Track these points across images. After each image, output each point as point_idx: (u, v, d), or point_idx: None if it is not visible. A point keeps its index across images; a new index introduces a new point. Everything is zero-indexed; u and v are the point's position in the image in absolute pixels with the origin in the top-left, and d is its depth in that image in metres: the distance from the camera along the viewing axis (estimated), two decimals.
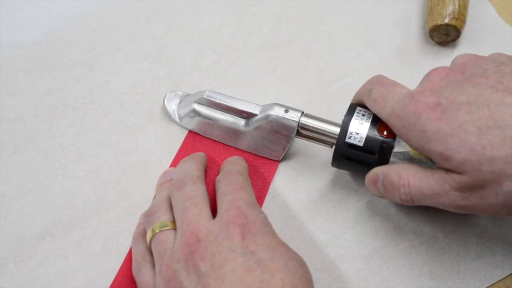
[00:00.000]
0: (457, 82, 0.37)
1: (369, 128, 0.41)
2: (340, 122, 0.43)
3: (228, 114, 0.46)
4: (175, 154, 0.47)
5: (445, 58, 0.52)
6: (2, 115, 0.49)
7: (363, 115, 0.41)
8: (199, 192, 0.40)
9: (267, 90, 0.51)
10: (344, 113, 0.42)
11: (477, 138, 0.35)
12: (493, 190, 0.35)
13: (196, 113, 0.46)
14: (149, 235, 0.40)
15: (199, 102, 0.46)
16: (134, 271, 0.40)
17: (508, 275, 0.42)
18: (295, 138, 0.45)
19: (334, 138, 0.42)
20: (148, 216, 0.41)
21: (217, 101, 0.45)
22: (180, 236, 0.37)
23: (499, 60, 0.38)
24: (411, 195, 0.38)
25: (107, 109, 0.49)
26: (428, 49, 0.53)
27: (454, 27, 0.50)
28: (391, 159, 0.40)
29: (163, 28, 0.54)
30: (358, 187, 0.46)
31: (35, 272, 0.42)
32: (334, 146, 0.43)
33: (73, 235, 0.44)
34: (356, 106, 0.42)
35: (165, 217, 0.40)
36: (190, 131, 0.48)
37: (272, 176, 0.46)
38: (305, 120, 0.44)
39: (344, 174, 0.47)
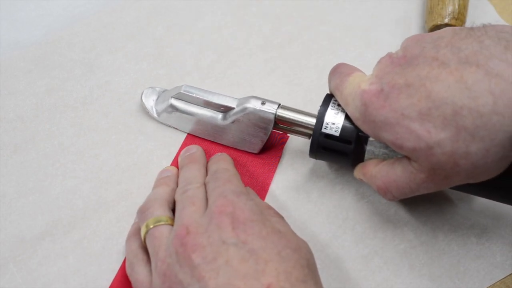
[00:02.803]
0: (399, 66, 0.37)
1: (345, 118, 0.41)
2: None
3: (205, 109, 0.46)
4: (175, 154, 0.47)
5: None
6: (2, 115, 0.49)
7: (338, 105, 0.42)
8: (199, 194, 0.40)
9: (267, 90, 0.51)
10: None
11: (420, 123, 0.35)
12: (453, 170, 0.35)
13: (173, 108, 0.46)
14: (143, 231, 0.40)
15: (176, 97, 0.46)
16: (128, 270, 0.40)
17: (508, 275, 0.42)
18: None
19: (311, 129, 0.43)
20: (141, 212, 0.41)
21: (194, 95, 0.46)
22: (173, 231, 0.38)
23: (438, 35, 0.37)
24: (397, 197, 0.40)
25: (107, 109, 0.49)
26: None
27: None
28: (368, 147, 0.41)
29: (163, 28, 0.54)
30: (358, 187, 0.46)
31: (35, 272, 0.42)
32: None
33: (73, 235, 0.44)
34: (331, 96, 0.42)
35: (158, 212, 0.40)
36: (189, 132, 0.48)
37: (272, 176, 0.46)
38: (282, 112, 0.44)
39: (344, 174, 0.47)
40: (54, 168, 0.47)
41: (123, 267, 0.42)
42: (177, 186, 0.43)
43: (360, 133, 0.40)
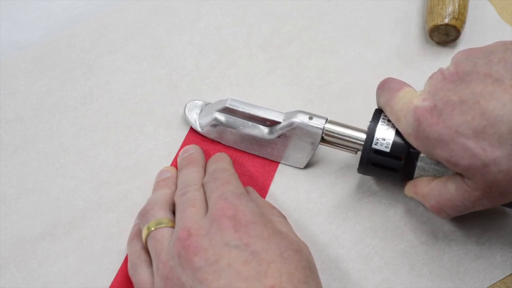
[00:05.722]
0: (452, 82, 0.37)
1: (395, 133, 0.41)
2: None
3: (250, 123, 0.46)
4: (175, 154, 0.47)
5: (445, 58, 0.52)
6: (2, 115, 0.49)
7: (388, 121, 0.41)
8: (199, 195, 0.40)
9: (267, 90, 0.51)
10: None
11: (475, 140, 0.35)
12: (509, 187, 0.35)
13: (218, 122, 0.46)
14: (144, 233, 0.40)
15: (221, 111, 0.46)
16: (130, 272, 0.40)
17: (508, 275, 0.42)
18: (319, 145, 0.45)
19: (360, 144, 0.42)
20: (142, 215, 0.41)
21: (239, 109, 0.45)
22: (174, 233, 0.38)
23: (490, 50, 0.38)
24: (451, 216, 0.40)
25: (107, 109, 0.49)
26: (428, 49, 0.53)
27: (454, 27, 0.50)
28: (418, 164, 0.40)
29: (163, 28, 0.54)
30: (358, 187, 0.46)
31: (35, 272, 0.42)
32: (359, 152, 0.43)
33: (73, 235, 0.44)
34: (381, 112, 0.42)
35: (159, 214, 0.40)
36: (189, 131, 0.48)
37: (272, 176, 0.46)
38: (330, 127, 0.43)
39: (344, 174, 0.47)
40: (54, 168, 0.47)
41: (123, 267, 0.42)
42: (176, 188, 0.43)
43: (411, 149, 0.40)
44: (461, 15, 0.50)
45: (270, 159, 0.47)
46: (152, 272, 0.38)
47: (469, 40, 0.53)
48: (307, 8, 0.55)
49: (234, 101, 0.46)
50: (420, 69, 0.51)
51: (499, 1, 0.55)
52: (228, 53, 0.53)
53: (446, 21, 0.50)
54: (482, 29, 0.53)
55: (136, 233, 0.42)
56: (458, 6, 0.50)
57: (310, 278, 0.35)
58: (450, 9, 0.50)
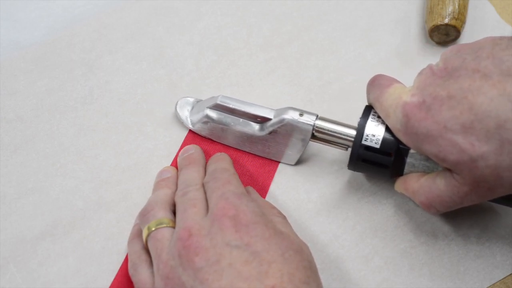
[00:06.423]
0: (441, 78, 0.37)
1: (385, 130, 0.41)
2: (350, 123, 0.43)
3: (242, 119, 0.46)
4: (175, 154, 0.47)
5: None
6: (2, 115, 0.49)
7: (378, 117, 0.41)
8: (199, 196, 0.40)
9: (267, 90, 0.51)
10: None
11: (463, 135, 0.35)
12: (496, 182, 0.35)
13: (209, 119, 0.46)
14: (145, 233, 0.40)
15: (212, 108, 0.46)
16: (130, 271, 0.40)
17: (508, 275, 0.42)
18: (309, 141, 0.45)
19: (350, 141, 0.42)
20: (143, 215, 0.41)
21: (230, 106, 0.45)
22: (175, 233, 0.38)
23: (478, 46, 0.38)
24: (440, 211, 0.40)
25: (107, 109, 0.49)
26: (428, 49, 0.53)
27: (454, 27, 0.50)
28: (408, 160, 0.40)
29: (163, 28, 0.54)
30: (358, 187, 0.46)
31: (35, 272, 0.42)
32: (349, 148, 0.43)
33: (73, 235, 0.44)
34: (371, 108, 0.42)
35: (160, 214, 0.40)
36: (190, 131, 0.48)
37: (272, 176, 0.46)
38: (320, 124, 0.43)
39: (344, 174, 0.47)
40: (54, 168, 0.47)
41: (123, 267, 0.42)
42: (177, 188, 0.43)
43: (400, 146, 0.40)
44: (461, 15, 0.50)
45: (261, 156, 0.47)
46: (152, 272, 0.39)
47: (469, 40, 0.52)
48: (307, 8, 0.55)
49: (225, 97, 0.46)
50: (420, 69, 0.51)
51: (499, 1, 0.55)
52: (228, 53, 0.53)
53: (446, 21, 0.50)
54: (482, 29, 0.53)
55: (137, 233, 0.42)
56: (458, 6, 0.50)
57: (311, 279, 0.36)
58: (450, 9, 0.50)
